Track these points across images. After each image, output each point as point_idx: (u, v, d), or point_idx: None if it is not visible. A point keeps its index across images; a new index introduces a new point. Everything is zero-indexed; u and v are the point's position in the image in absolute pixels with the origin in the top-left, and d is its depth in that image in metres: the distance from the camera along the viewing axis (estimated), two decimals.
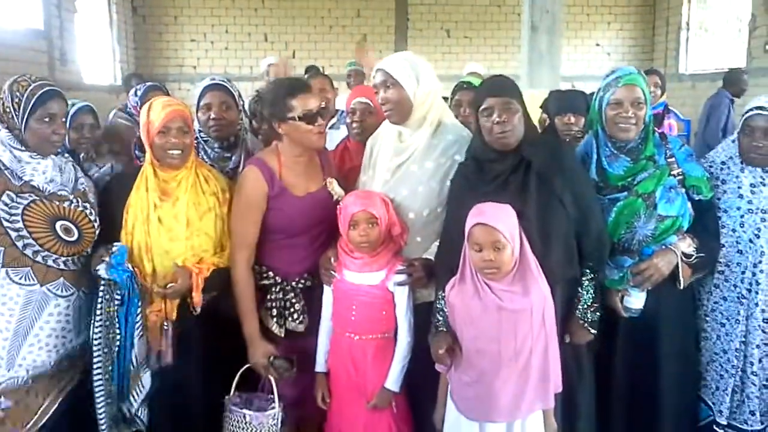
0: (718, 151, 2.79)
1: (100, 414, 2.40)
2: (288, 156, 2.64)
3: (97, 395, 2.39)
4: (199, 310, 2.49)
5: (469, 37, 11.24)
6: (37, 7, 7.78)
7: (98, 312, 2.37)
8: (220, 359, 2.61)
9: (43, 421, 2.38)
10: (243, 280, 2.59)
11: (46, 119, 2.33)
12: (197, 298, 2.46)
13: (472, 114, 3.01)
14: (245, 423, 2.52)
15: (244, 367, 2.60)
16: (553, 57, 6.41)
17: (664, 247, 2.51)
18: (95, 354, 2.37)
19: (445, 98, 3.26)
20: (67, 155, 2.57)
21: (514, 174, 2.37)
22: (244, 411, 2.53)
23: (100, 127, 3.59)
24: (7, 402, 2.32)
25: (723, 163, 2.72)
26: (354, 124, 3.07)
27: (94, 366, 2.37)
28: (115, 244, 2.40)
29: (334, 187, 2.66)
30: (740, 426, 2.68)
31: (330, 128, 3.91)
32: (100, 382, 2.39)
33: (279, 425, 2.55)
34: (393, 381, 2.55)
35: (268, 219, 2.61)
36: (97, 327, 2.37)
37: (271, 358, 2.57)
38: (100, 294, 2.37)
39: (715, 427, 2.72)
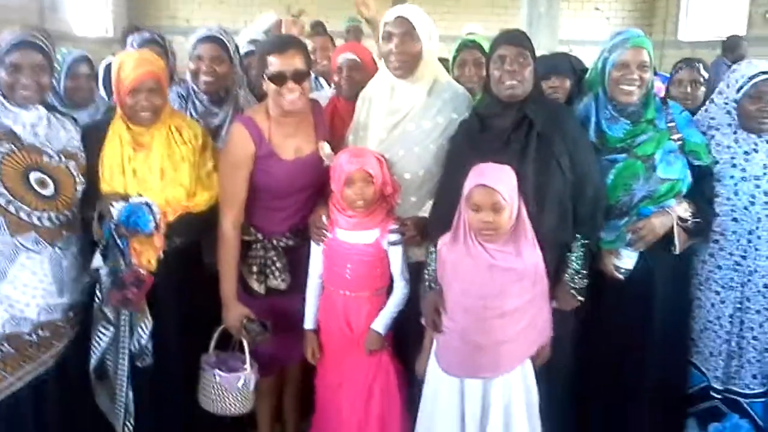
0: (701, 119, 2.73)
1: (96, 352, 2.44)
2: (275, 114, 2.57)
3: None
4: (161, 254, 2.43)
5: None
6: None
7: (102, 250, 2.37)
8: (198, 316, 2.59)
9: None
10: (228, 238, 2.55)
11: (10, 69, 2.28)
12: (158, 242, 2.40)
13: (476, 73, 3.00)
14: (215, 383, 2.52)
15: (220, 328, 2.58)
16: (552, 20, 6.35)
17: (661, 209, 2.51)
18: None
19: (445, 59, 3.20)
20: (64, 115, 2.51)
21: (515, 132, 2.36)
22: (215, 371, 2.52)
23: (96, 77, 3.53)
24: None
25: (705, 133, 2.67)
26: (342, 81, 2.99)
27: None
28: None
29: (326, 151, 2.59)
30: (740, 390, 2.70)
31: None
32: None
33: (250, 388, 2.55)
34: (381, 324, 2.54)
35: (254, 178, 2.57)
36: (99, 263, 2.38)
37: (245, 321, 2.53)
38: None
39: (712, 393, 2.73)
